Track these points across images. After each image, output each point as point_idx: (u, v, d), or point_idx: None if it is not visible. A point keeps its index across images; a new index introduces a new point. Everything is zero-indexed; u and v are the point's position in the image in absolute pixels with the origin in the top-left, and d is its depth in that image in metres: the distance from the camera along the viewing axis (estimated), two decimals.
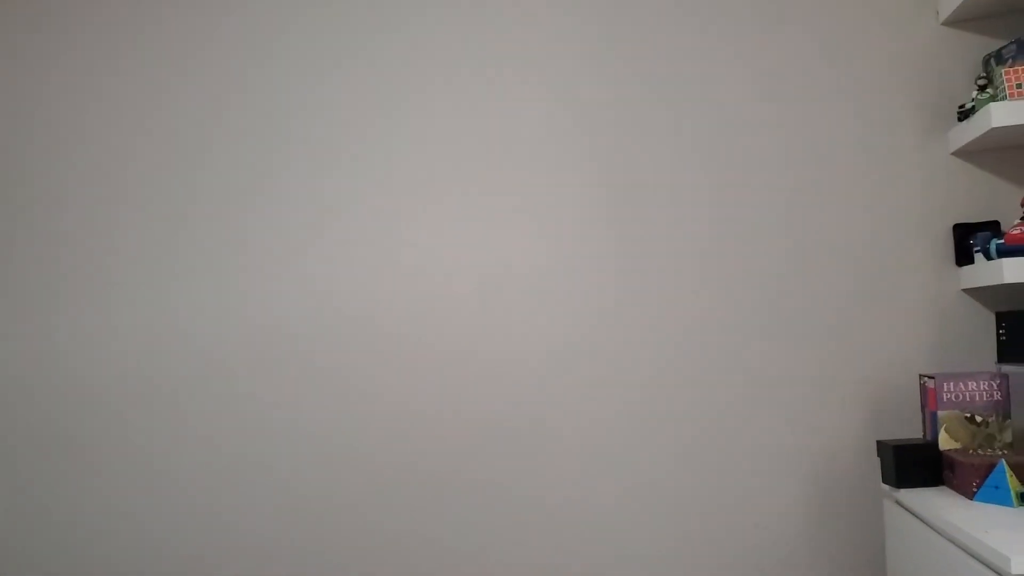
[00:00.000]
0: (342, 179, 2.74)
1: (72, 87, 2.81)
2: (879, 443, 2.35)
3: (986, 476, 2.07)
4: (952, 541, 1.90)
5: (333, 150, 2.75)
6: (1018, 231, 2.25)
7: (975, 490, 2.08)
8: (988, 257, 2.34)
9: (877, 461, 2.56)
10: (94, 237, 2.77)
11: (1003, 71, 2.27)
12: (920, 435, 2.54)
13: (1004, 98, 2.27)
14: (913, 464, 2.26)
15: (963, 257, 2.54)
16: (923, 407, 2.38)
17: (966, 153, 2.56)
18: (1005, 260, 2.21)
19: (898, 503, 2.25)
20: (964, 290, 2.57)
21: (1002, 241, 2.29)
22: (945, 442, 2.27)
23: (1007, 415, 2.26)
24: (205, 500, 2.71)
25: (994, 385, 2.28)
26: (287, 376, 2.71)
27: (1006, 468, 2.02)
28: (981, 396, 2.30)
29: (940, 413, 2.29)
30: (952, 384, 2.31)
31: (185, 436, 2.73)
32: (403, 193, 2.72)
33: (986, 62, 2.49)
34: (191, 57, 2.79)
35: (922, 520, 2.08)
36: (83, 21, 2.82)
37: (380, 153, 2.73)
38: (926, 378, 2.35)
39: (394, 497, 2.68)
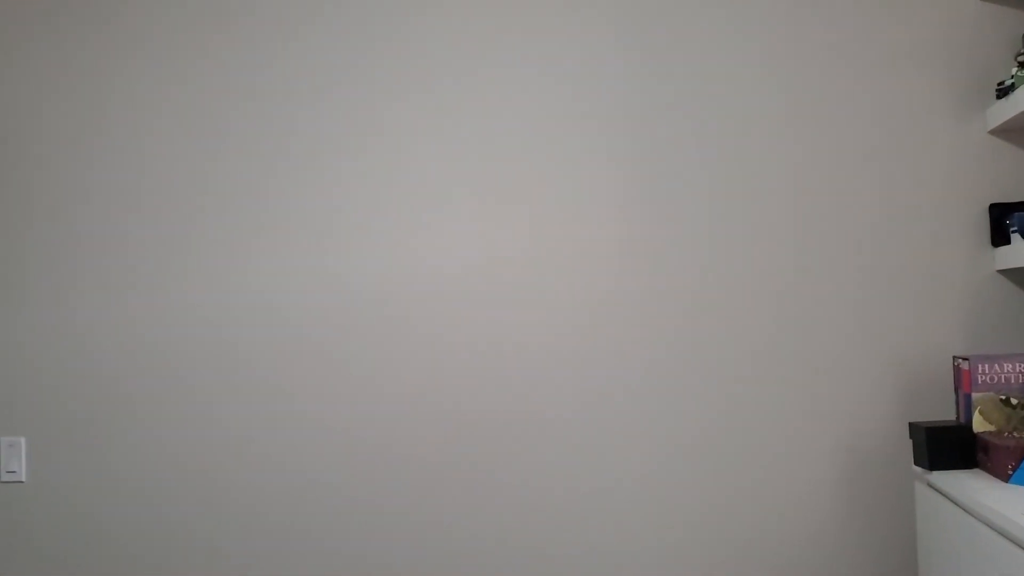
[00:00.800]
0: (355, 169, 2.73)
1: (93, 73, 2.82)
2: (911, 425, 2.32)
3: (1022, 459, 2.04)
4: (987, 524, 1.88)
5: (346, 139, 2.74)
6: None
7: (1010, 473, 2.05)
8: None
9: (909, 443, 2.53)
10: (110, 227, 2.78)
11: None
12: (953, 418, 2.51)
13: None
14: (946, 446, 2.23)
15: (999, 237, 2.50)
16: (957, 389, 2.35)
17: (1004, 131, 2.52)
18: None
19: (930, 485, 2.23)
20: (1000, 271, 2.53)
21: None
22: (979, 424, 2.24)
23: None
24: (216, 482, 2.72)
25: None
26: (299, 363, 2.71)
27: None
28: (1017, 378, 2.26)
29: (974, 395, 2.26)
30: (987, 366, 2.27)
31: (194, 418, 2.73)
32: (416, 183, 2.70)
33: None
34: (209, 46, 2.78)
35: (955, 502, 2.05)
36: (100, 10, 2.82)
37: (393, 143, 2.72)
38: (960, 360, 2.32)
39: (404, 483, 2.68)
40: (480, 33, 2.71)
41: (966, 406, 2.29)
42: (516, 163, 2.68)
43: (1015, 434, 2.19)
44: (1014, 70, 2.38)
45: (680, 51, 2.65)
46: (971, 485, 2.03)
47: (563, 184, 2.66)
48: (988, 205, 2.53)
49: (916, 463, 2.30)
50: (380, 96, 2.73)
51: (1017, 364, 2.27)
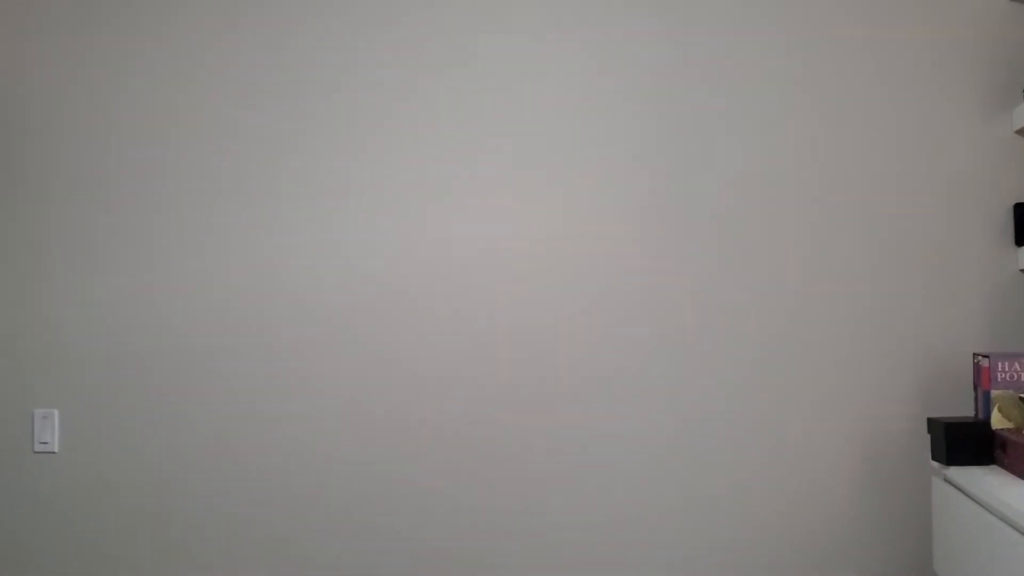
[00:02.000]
0: (374, 147, 2.76)
1: (112, 55, 2.86)
2: (930, 420, 2.35)
3: None
4: (1003, 519, 1.91)
5: (364, 116, 2.77)
6: None
7: None
8: None
9: (927, 439, 2.56)
10: (140, 203, 2.83)
11: None
12: (972, 414, 2.54)
13: None
14: (964, 442, 2.26)
15: (1023, 237, 2.52)
16: (976, 386, 2.38)
17: None
18: None
19: (947, 480, 2.26)
20: (1023, 270, 2.55)
21: None
22: (998, 421, 2.27)
23: None
24: (243, 453, 2.77)
25: None
26: (325, 339, 2.75)
27: None
28: None
29: (993, 392, 2.29)
30: (1007, 364, 2.30)
31: (223, 391, 2.78)
32: (434, 163, 2.74)
33: None
34: (231, 26, 2.82)
35: (972, 498, 2.09)
36: None
37: (411, 123, 2.75)
38: (980, 357, 2.34)
39: (425, 459, 2.72)
40: (507, 16, 2.74)
41: (985, 403, 2.31)
42: (547, 144, 2.71)
43: None
44: None
45: (706, 46, 2.67)
46: (988, 481, 2.06)
47: (590, 172, 2.69)
48: (1013, 205, 2.55)
49: (934, 458, 2.33)
50: (415, 74, 2.76)
51: None
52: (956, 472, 2.20)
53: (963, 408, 2.54)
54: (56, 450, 2.84)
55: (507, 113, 2.73)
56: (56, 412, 2.84)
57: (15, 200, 2.88)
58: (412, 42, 2.77)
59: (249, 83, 2.82)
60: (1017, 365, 2.30)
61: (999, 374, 2.30)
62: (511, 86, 2.73)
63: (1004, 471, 2.17)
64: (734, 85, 2.65)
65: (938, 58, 2.58)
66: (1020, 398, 2.27)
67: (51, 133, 2.88)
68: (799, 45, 2.63)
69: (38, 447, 2.84)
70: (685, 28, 2.67)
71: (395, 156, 2.76)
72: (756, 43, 2.65)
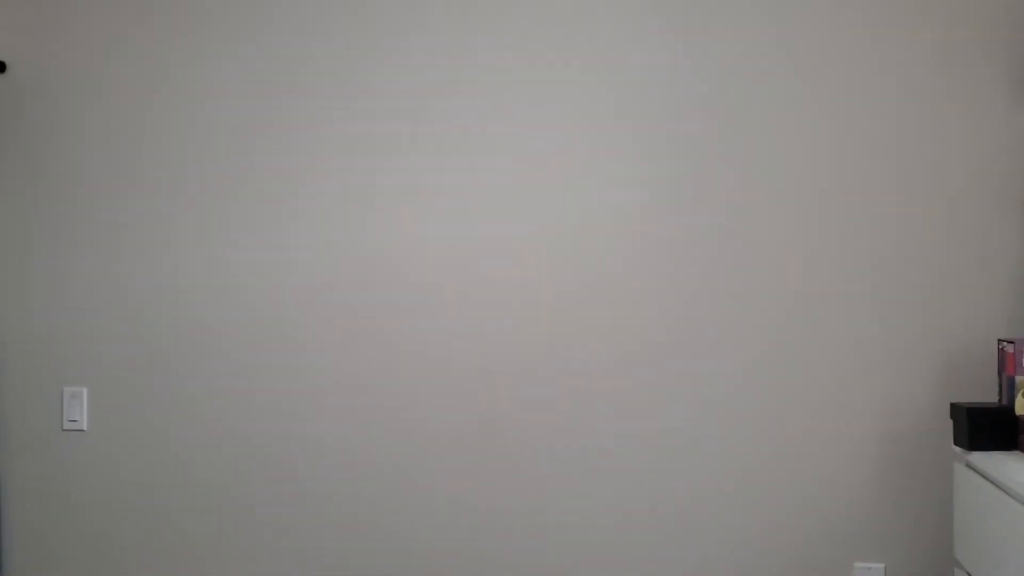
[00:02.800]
0: (390, 147, 2.76)
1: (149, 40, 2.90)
2: (952, 405, 2.34)
3: None
4: None
5: (378, 118, 2.77)
6: None
7: None
8: None
9: (950, 424, 2.54)
10: (166, 184, 2.86)
11: None
12: (996, 400, 2.52)
13: None
14: (987, 427, 2.25)
15: None
16: (1000, 372, 2.36)
17: None
18: None
19: (969, 465, 2.25)
20: None
21: None
22: (1022, 407, 2.25)
23: None
24: (271, 433, 2.81)
25: None
26: (335, 330, 2.78)
27: None
28: None
29: (1018, 378, 2.27)
30: None
31: (251, 371, 2.82)
32: (449, 160, 2.74)
33: None
34: (247, 24, 2.84)
35: (993, 483, 2.07)
36: None
37: (423, 112, 2.76)
38: (1005, 343, 2.33)
39: (440, 455, 2.74)
40: (515, 29, 2.74)
41: (1009, 388, 2.30)
42: (555, 149, 2.72)
43: None
44: None
45: (716, 46, 2.65)
46: (1010, 466, 2.05)
47: (600, 172, 2.69)
48: None
49: (956, 443, 2.32)
50: (434, 88, 2.77)
51: None
52: (978, 457, 2.19)
53: (987, 394, 2.53)
54: (85, 428, 2.89)
55: (515, 115, 2.73)
56: (85, 390, 2.89)
57: (45, 183, 2.92)
58: (423, 48, 2.77)
59: (267, 81, 2.84)
60: None
61: None
62: (521, 90, 2.73)
63: None
64: (749, 80, 2.63)
65: (963, 50, 2.56)
66: None
67: (79, 123, 2.92)
68: (824, 40, 2.61)
69: (67, 425, 2.89)
70: (692, 29, 2.66)
71: (412, 155, 2.77)
72: (767, 38, 2.63)
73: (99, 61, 2.92)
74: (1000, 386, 2.36)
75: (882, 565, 2.57)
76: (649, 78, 2.68)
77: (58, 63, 2.93)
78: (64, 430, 2.90)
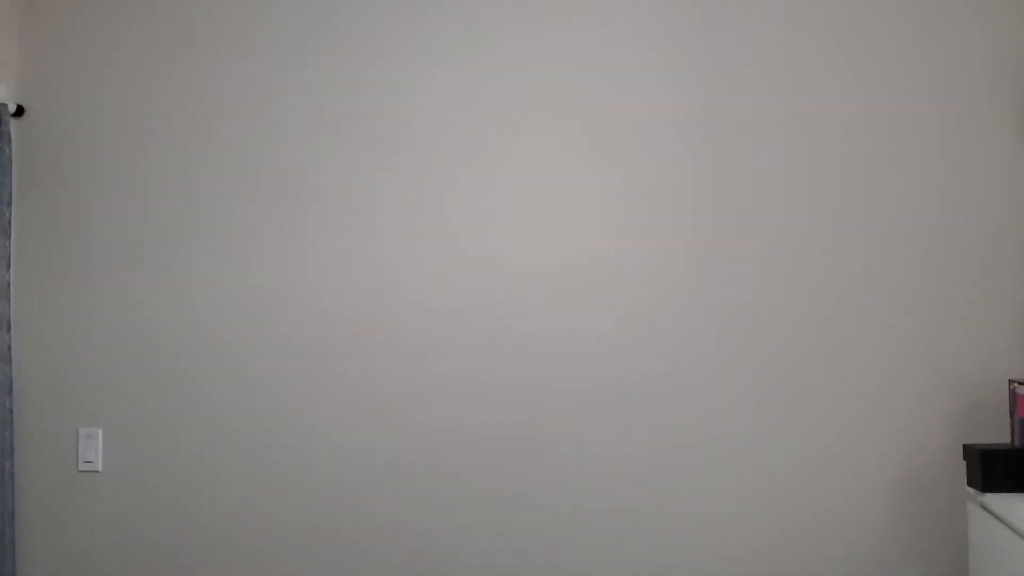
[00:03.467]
0: (414, 162, 2.80)
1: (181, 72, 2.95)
2: (966, 447, 2.34)
3: None
4: None
5: (404, 133, 2.81)
6: None
7: None
8: None
9: (963, 465, 2.55)
10: (182, 223, 2.89)
11: None
12: (1008, 441, 2.52)
13: None
14: (1000, 469, 2.25)
15: None
16: (1012, 413, 2.37)
17: None
18: None
19: (983, 507, 2.25)
20: None
21: None
22: None
23: None
24: (289, 471, 2.81)
25: None
26: (374, 354, 2.80)
27: None
28: None
29: None
30: None
31: (270, 410, 2.83)
32: (473, 179, 2.78)
33: None
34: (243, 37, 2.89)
35: (1008, 525, 2.08)
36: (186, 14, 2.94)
37: (449, 140, 2.80)
38: (1017, 384, 2.34)
39: (461, 462, 2.75)
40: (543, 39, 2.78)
41: (1021, 430, 2.31)
42: (587, 163, 2.75)
43: None
44: None
45: (752, 54, 2.69)
46: None
47: (629, 187, 2.72)
48: None
49: (969, 484, 2.33)
50: (468, 99, 2.81)
51: None
52: (992, 499, 2.20)
53: (1000, 435, 2.53)
54: (100, 469, 2.90)
55: (537, 134, 2.77)
56: (100, 431, 2.91)
57: (62, 225, 2.95)
58: (457, 61, 2.82)
59: (286, 103, 2.88)
60: None
61: None
62: (558, 100, 2.77)
63: None
64: (776, 99, 2.67)
65: (972, 81, 2.59)
66: None
67: (95, 165, 2.95)
68: (840, 60, 2.65)
69: (83, 466, 2.90)
70: (733, 38, 2.70)
71: (435, 170, 2.81)
72: (800, 54, 2.67)
73: (115, 102, 2.96)
74: (1012, 427, 2.37)
75: None
76: (690, 94, 2.71)
77: (74, 106, 2.97)
78: (80, 471, 2.91)
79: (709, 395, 2.67)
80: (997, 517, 2.15)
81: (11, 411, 2.87)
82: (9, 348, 2.88)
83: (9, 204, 2.91)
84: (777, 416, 2.63)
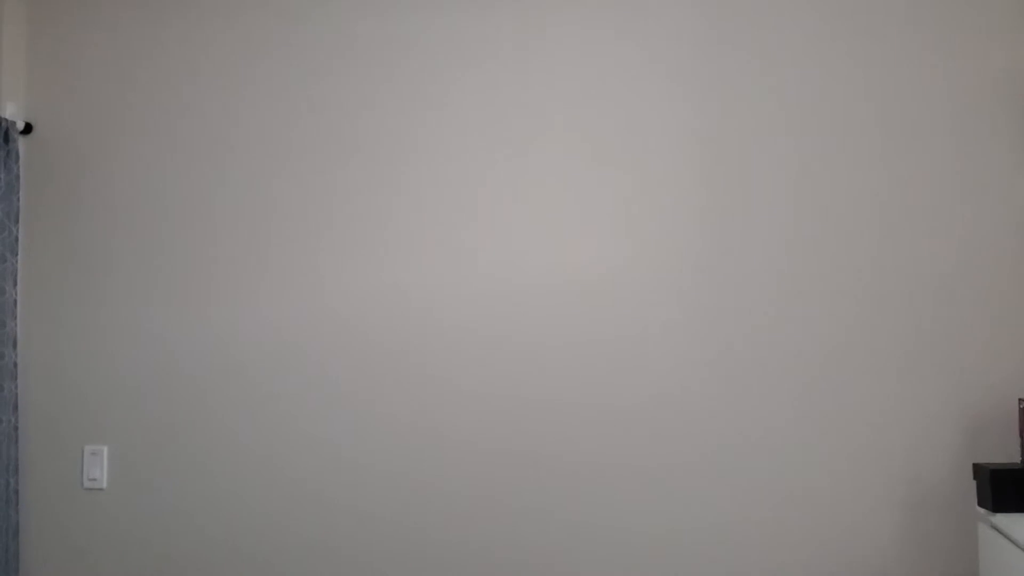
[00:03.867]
0: (424, 179, 2.81)
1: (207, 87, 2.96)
2: (975, 466, 2.32)
3: None
4: None
5: (411, 152, 2.82)
6: None
7: None
8: None
9: (974, 484, 2.52)
10: (189, 239, 2.89)
11: None
12: (1019, 460, 2.50)
13: None
14: (1010, 489, 2.23)
15: None
16: (1022, 432, 2.35)
17: None
18: None
19: (994, 527, 2.23)
20: None
21: None
22: None
23: None
24: (298, 489, 2.81)
25: None
26: (379, 369, 2.79)
27: None
28: None
29: None
30: None
31: (276, 426, 2.82)
32: (483, 193, 2.78)
33: None
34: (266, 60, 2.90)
35: (1019, 546, 2.05)
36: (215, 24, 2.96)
37: (458, 155, 2.80)
38: None
39: (481, 478, 2.73)
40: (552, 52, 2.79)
41: None
42: (599, 177, 2.75)
43: None
44: None
45: (779, 81, 2.70)
46: None
47: (643, 200, 2.72)
48: None
49: (980, 504, 2.30)
50: (473, 130, 2.82)
51: None
52: (1003, 519, 2.17)
53: (1010, 454, 2.51)
54: (104, 486, 2.89)
55: (559, 153, 2.77)
56: (105, 448, 2.90)
57: (70, 243, 2.96)
58: (471, 78, 2.83)
59: (300, 119, 2.89)
60: None
61: None
62: (563, 116, 2.78)
63: None
64: (795, 119, 2.67)
65: (983, 99, 2.58)
66: None
67: (104, 183, 2.96)
68: (868, 81, 2.65)
69: (87, 483, 2.90)
70: (744, 53, 2.70)
71: (443, 187, 2.81)
72: (822, 75, 2.67)
73: (124, 120, 2.97)
74: (1022, 447, 2.34)
75: None
76: (708, 113, 2.72)
77: (83, 123, 2.99)
78: (84, 488, 2.90)
79: (716, 413, 2.65)
80: (1008, 537, 2.12)
81: (16, 428, 2.88)
82: (15, 365, 2.89)
83: (17, 221, 2.92)
84: (785, 434, 2.62)
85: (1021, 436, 2.36)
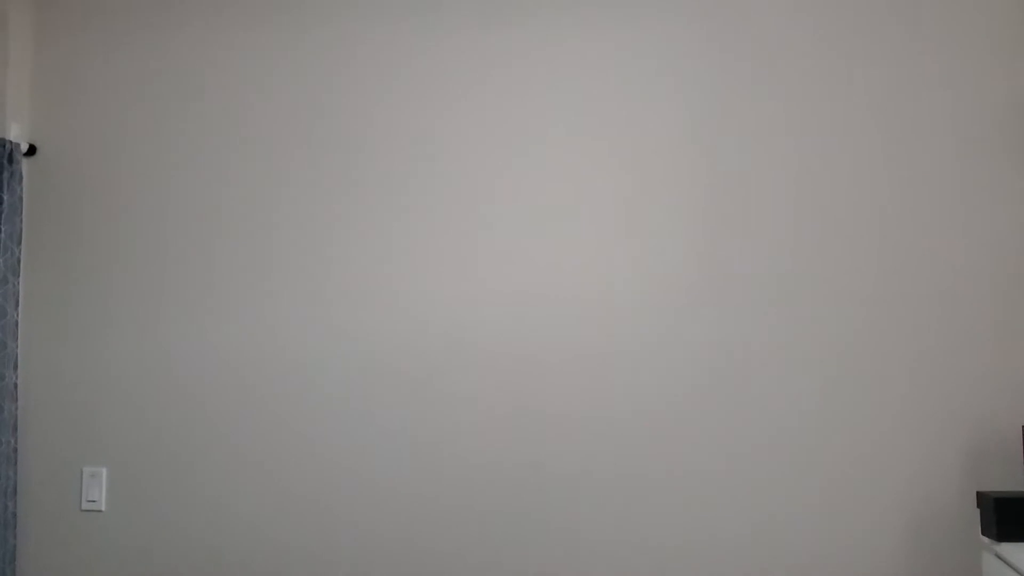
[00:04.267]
0: (434, 201, 2.81)
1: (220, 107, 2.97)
2: (979, 494, 2.30)
3: None
4: None
5: (423, 172, 2.82)
6: None
7: None
8: None
9: (978, 512, 2.50)
10: (193, 259, 2.89)
11: None
12: (1023, 488, 2.48)
13: None
14: (1015, 517, 2.21)
15: None
16: None
17: None
18: None
19: (998, 556, 2.21)
20: None
21: None
22: None
23: None
24: (300, 510, 2.79)
25: None
26: (383, 387, 2.78)
27: None
28: None
29: None
30: None
31: (281, 446, 2.81)
32: (497, 214, 2.78)
33: None
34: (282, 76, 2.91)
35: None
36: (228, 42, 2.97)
37: (468, 177, 2.80)
38: None
39: (497, 494, 2.72)
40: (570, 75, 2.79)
41: None
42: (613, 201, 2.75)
43: None
44: None
45: (792, 92, 2.70)
46: None
47: (654, 215, 2.72)
48: None
49: (984, 533, 2.28)
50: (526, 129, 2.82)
51: None
52: (1007, 548, 2.15)
53: (1015, 482, 2.49)
54: (103, 508, 2.88)
55: (574, 163, 2.77)
56: (104, 470, 2.89)
57: (72, 265, 2.96)
58: (485, 97, 2.83)
59: (302, 139, 2.89)
60: None
61: None
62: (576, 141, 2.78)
63: None
64: (800, 131, 2.67)
65: (1001, 112, 2.58)
66: None
67: (106, 203, 2.97)
68: (880, 93, 2.65)
69: (86, 505, 2.89)
70: (771, 76, 2.71)
71: (454, 210, 2.82)
72: (832, 88, 2.67)
73: (124, 139, 2.98)
74: None
75: None
76: (716, 133, 2.71)
77: (86, 145, 3.00)
78: (83, 510, 2.89)
79: (718, 435, 2.63)
80: (1013, 567, 2.10)
81: (15, 450, 2.87)
82: (15, 387, 2.88)
83: (19, 243, 2.93)
84: (787, 462, 2.60)
85: None
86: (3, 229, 2.87)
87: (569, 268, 2.74)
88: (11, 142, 2.91)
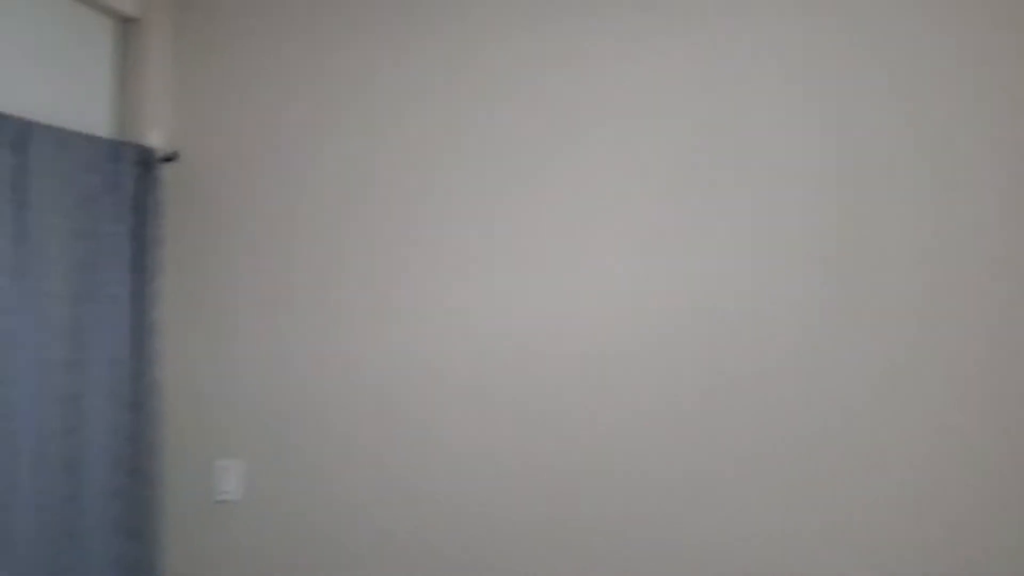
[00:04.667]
0: (501, 219, 2.83)
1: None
2: None
3: None
4: None
5: (491, 188, 2.82)
6: None
7: None
8: None
9: None
10: (324, 254, 2.97)
11: None
12: None
13: None
14: None
15: None
16: None
17: None
18: None
19: None
20: None
21: None
22: None
23: None
24: (428, 499, 2.85)
25: None
26: (443, 396, 2.85)
27: None
28: None
29: None
30: None
31: (413, 437, 2.87)
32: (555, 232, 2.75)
33: None
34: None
35: None
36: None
37: (528, 195, 2.78)
38: None
39: (560, 496, 2.72)
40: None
41: None
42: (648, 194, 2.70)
43: None
44: None
45: (828, 95, 2.58)
46: None
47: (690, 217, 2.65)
48: None
49: None
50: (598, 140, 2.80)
51: None
52: None
53: None
54: (238, 498, 3.02)
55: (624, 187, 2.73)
56: (239, 463, 3.03)
57: (213, 264, 3.10)
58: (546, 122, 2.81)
59: (448, 158, 2.92)
60: None
61: None
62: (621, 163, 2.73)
63: None
64: (840, 128, 2.56)
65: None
66: None
67: (244, 209, 3.08)
68: (912, 88, 2.51)
69: (219, 496, 3.03)
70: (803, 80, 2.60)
71: (521, 229, 2.82)
72: (864, 88, 2.54)
73: (265, 152, 3.06)
74: None
75: None
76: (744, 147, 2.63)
77: (225, 153, 3.11)
78: (216, 502, 3.03)
79: (751, 436, 2.56)
80: None
81: (158, 444, 3.04)
82: (158, 383, 3.05)
83: (161, 246, 3.08)
84: (829, 495, 2.50)
85: None
86: (147, 233, 3.02)
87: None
88: (152, 148, 3.05)
